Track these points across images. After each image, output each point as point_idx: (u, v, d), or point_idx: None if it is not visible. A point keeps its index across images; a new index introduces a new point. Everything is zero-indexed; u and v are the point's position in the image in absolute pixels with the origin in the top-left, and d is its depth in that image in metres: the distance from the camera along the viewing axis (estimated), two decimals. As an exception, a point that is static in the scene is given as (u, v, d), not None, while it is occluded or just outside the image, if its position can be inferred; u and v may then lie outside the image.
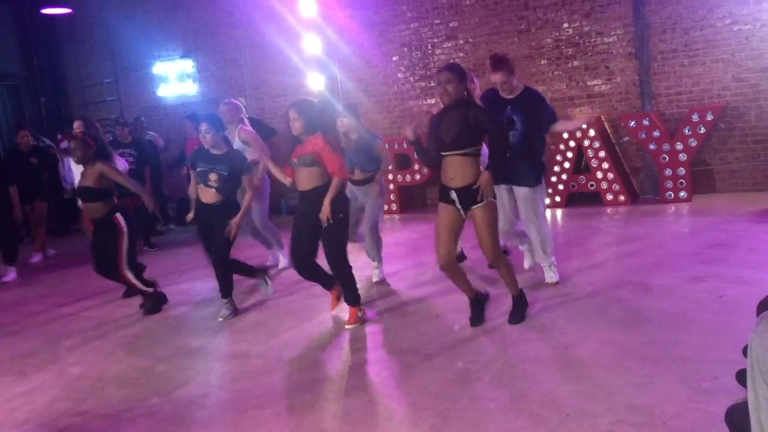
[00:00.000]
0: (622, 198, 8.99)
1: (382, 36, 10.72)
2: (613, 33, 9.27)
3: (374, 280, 6.23)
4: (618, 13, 9.18)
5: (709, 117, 8.48)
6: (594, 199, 9.22)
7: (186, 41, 12.38)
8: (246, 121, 6.98)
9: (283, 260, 6.97)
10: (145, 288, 6.01)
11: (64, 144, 11.58)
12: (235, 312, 5.67)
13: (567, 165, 9.24)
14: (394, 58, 10.73)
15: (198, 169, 5.60)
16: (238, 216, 5.55)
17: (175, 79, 12.59)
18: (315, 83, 10.85)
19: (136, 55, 12.71)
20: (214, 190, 5.55)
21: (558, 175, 9.30)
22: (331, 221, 4.90)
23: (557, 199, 9.34)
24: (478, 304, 4.74)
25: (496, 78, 5.16)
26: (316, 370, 4.32)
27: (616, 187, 9.01)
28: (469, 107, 4.38)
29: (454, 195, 4.43)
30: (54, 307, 6.60)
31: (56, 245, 10.18)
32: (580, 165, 9.33)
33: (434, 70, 10.42)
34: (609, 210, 8.81)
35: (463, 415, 3.40)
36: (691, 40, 8.82)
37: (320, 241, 5.07)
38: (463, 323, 4.74)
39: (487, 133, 4.45)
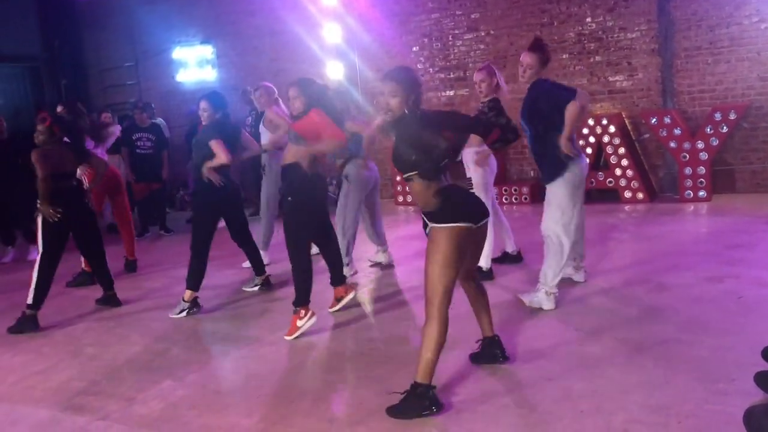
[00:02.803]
0: (640, 196, 8.92)
1: (403, 26, 10.67)
2: (636, 29, 9.17)
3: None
4: (642, 8, 9.08)
5: (732, 116, 8.38)
6: (612, 196, 9.15)
7: (206, 27, 12.40)
8: (280, 101, 6.86)
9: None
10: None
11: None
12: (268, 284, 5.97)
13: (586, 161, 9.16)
14: (414, 49, 10.68)
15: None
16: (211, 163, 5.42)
17: (194, 64, 12.63)
18: (334, 72, 10.83)
19: (157, 39, 12.75)
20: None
21: (576, 170, 9.23)
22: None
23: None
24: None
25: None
26: (329, 358, 4.32)
27: (634, 184, 8.93)
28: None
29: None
30: (68, 288, 6.65)
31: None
32: (599, 161, 9.26)
33: (455, 62, 10.40)
34: (627, 207, 8.74)
35: (476, 408, 3.39)
36: (716, 37, 8.71)
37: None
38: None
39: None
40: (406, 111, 3.44)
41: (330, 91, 5.36)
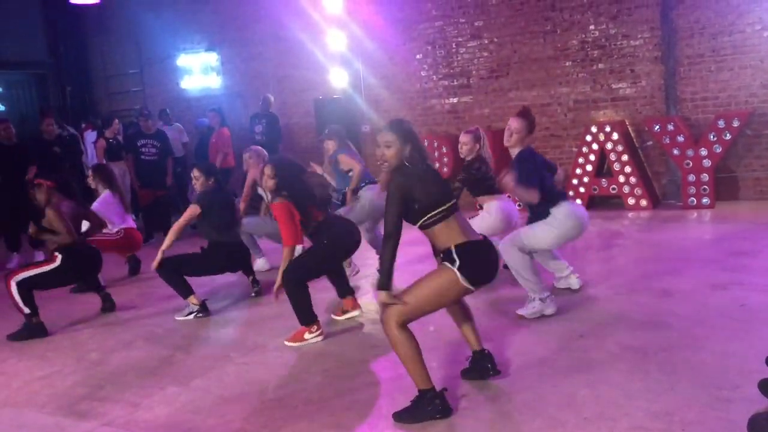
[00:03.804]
0: (643, 203, 8.92)
1: (407, 33, 10.71)
2: (639, 36, 9.18)
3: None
4: (645, 16, 9.10)
5: (736, 123, 8.38)
6: (615, 203, 9.15)
7: (211, 34, 12.46)
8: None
9: None
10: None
11: (89, 133, 11.69)
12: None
13: (589, 168, 9.18)
14: (417, 56, 10.71)
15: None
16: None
17: (199, 71, 12.67)
18: (338, 79, 10.87)
19: (161, 46, 12.82)
20: None
21: (580, 177, 9.25)
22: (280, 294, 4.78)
23: (578, 202, 9.29)
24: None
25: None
26: (332, 364, 4.33)
27: (638, 191, 8.93)
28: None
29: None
30: (72, 294, 6.67)
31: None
32: (603, 168, 9.27)
33: (458, 69, 10.43)
34: (630, 214, 8.74)
35: (479, 415, 3.40)
36: (719, 45, 8.72)
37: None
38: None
39: None
40: (406, 163, 3.43)
41: (305, 173, 5.41)
